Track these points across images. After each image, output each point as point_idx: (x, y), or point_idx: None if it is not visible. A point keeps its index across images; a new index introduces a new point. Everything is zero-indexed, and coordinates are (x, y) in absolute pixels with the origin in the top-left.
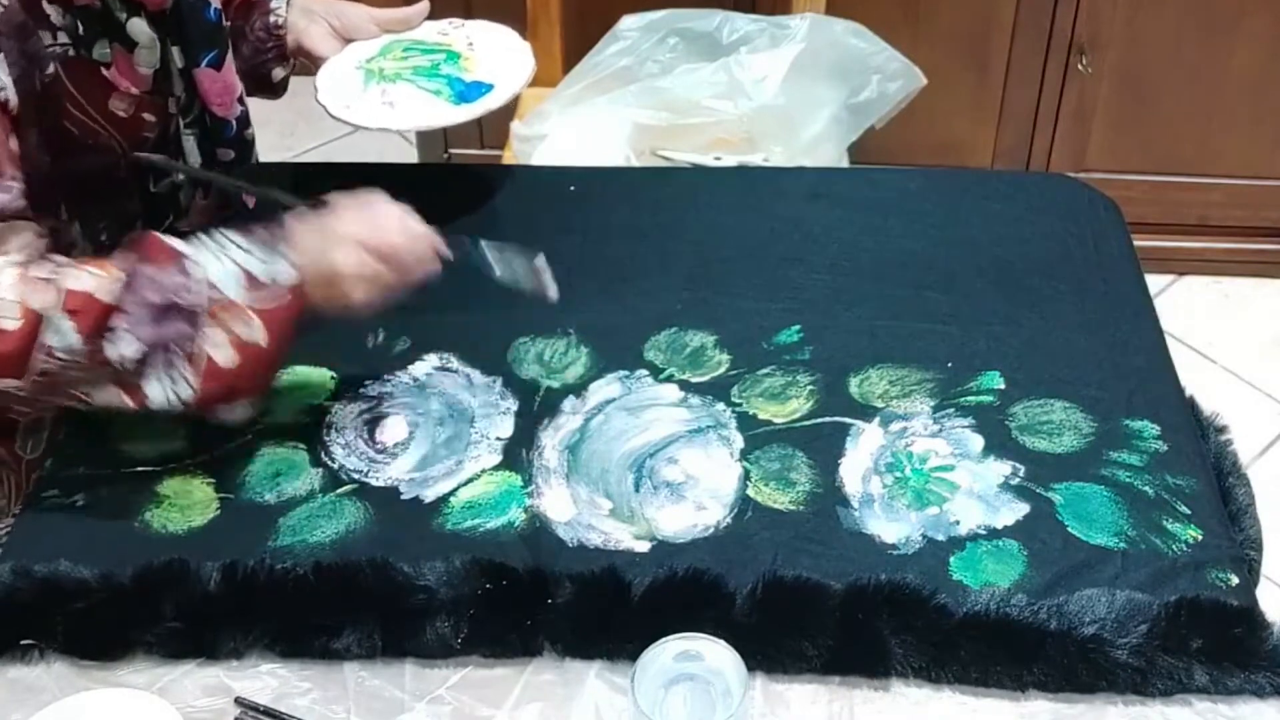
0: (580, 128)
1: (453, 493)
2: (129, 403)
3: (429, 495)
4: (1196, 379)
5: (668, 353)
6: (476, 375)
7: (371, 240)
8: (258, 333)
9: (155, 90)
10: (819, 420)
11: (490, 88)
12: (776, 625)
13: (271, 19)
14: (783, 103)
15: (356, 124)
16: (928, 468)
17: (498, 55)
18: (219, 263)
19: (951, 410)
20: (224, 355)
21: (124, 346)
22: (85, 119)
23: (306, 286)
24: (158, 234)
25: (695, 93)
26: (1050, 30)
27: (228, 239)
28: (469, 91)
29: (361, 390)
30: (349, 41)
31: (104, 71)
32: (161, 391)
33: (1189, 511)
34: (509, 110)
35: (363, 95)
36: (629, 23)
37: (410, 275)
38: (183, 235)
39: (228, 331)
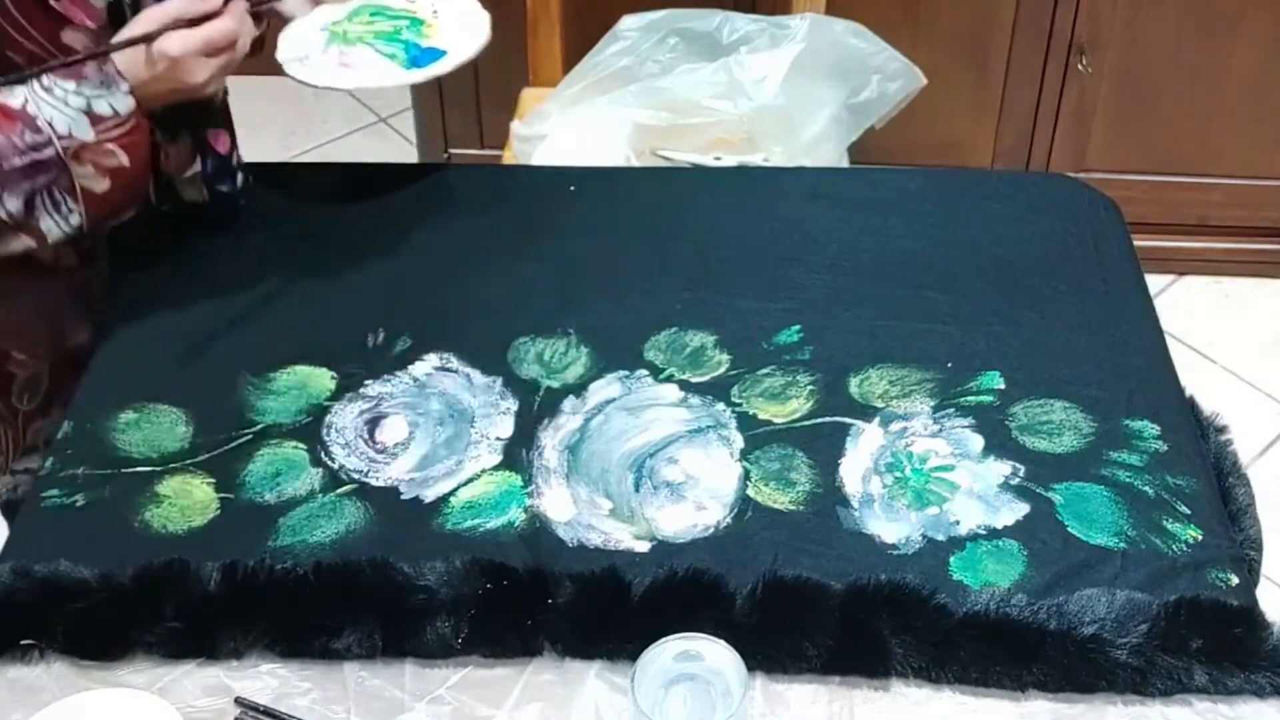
0: (580, 128)
1: (453, 493)
2: (32, 242)
3: (429, 495)
4: (1196, 379)
5: (668, 353)
6: (476, 375)
7: (208, 43)
8: (121, 157)
9: (111, 24)
10: (819, 420)
11: (443, 54)
12: (776, 625)
13: None
14: (783, 103)
15: (305, 81)
16: (928, 468)
17: (457, 23)
18: (62, 113)
19: (951, 410)
20: (99, 185)
21: (9, 204)
22: (39, 51)
23: (159, 102)
24: None
25: (695, 93)
26: (1050, 30)
27: (62, 88)
28: (422, 58)
29: (361, 390)
30: (320, 3)
31: (53, 3)
32: (55, 226)
33: (1189, 511)
34: (509, 110)
35: (320, 56)
36: (629, 23)
37: (245, 40)
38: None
39: (94, 165)
